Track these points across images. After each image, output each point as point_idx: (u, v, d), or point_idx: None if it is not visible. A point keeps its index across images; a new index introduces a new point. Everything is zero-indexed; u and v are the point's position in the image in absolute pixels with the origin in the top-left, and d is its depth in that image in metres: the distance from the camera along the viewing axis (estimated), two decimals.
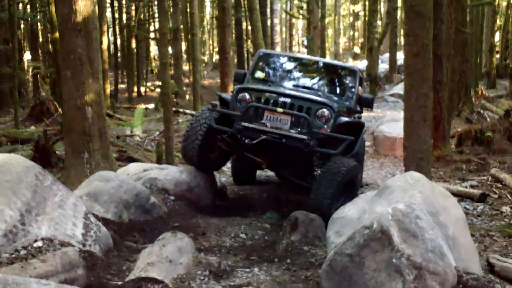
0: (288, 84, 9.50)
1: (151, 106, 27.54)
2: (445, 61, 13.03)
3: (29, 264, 4.79)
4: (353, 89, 9.50)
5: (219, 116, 8.42)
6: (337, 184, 7.45)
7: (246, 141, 8.04)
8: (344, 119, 8.23)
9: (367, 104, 9.50)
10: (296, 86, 9.38)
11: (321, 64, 10.14)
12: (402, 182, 5.85)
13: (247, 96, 8.30)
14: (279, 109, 7.94)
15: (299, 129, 7.94)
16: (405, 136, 8.00)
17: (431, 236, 4.69)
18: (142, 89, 36.81)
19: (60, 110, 16.71)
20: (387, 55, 41.51)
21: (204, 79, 38.78)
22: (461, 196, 9.50)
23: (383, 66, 40.62)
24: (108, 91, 25.70)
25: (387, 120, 16.49)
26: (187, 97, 29.60)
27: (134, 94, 33.95)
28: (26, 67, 27.31)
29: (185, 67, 41.38)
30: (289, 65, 10.24)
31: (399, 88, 24.89)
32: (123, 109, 26.90)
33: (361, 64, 42.21)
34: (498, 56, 35.17)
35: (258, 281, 5.33)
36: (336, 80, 9.91)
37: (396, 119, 15.31)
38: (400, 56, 35.13)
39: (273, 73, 9.96)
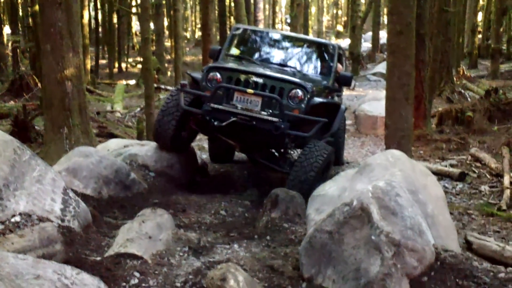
0: (264, 61, 9.20)
1: (132, 82, 27.40)
2: (428, 40, 13.07)
3: (6, 239, 4.76)
4: (331, 67, 9.25)
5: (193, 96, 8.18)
6: (316, 170, 7.37)
7: (215, 123, 7.72)
8: (319, 100, 7.98)
9: (346, 82, 9.20)
10: (272, 63, 9.13)
11: (298, 41, 9.86)
12: (382, 160, 5.85)
13: (218, 75, 8.01)
14: (250, 90, 7.66)
15: (270, 110, 7.66)
16: (386, 114, 8.00)
17: (411, 214, 4.70)
18: (123, 65, 36.55)
19: (40, 85, 16.53)
20: (370, 34, 41.60)
21: (186, 55, 38.59)
22: (440, 175, 9.57)
23: (366, 45, 40.68)
24: (88, 66, 25.49)
25: (369, 99, 16.52)
26: (169, 73, 29.45)
27: (115, 70, 33.73)
28: (5, 41, 26.92)
29: (167, 44, 41.18)
30: (265, 42, 9.92)
31: (382, 67, 24.94)
32: (104, 85, 26.73)
33: (344, 43, 42.20)
34: (480, 36, 35.31)
35: (237, 258, 5.33)
36: (314, 57, 9.62)
37: (378, 98, 15.34)
38: (383, 35, 35.13)
39: (249, 50, 9.68)
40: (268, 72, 8.07)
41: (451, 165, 10.41)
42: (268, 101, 7.66)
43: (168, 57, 35.59)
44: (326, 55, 9.46)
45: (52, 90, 9.23)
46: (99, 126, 13.40)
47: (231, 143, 8.38)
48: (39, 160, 5.80)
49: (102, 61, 36.64)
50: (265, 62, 9.16)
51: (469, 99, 18.27)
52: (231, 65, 8.48)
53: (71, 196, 5.82)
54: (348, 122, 15.51)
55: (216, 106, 7.70)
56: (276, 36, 10.07)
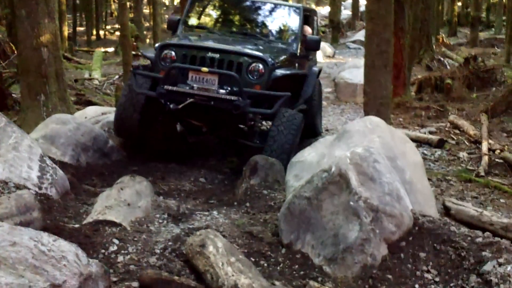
0: (225, 31, 8.75)
1: (110, 49, 27.12)
2: (407, 8, 13.04)
3: None
4: (297, 32, 8.64)
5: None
6: (291, 141, 7.13)
7: (171, 106, 7.21)
8: (281, 72, 7.52)
9: (313, 46, 8.49)
10: (234, 33, 8.66)
11: (261, 5, 9.11)
12: (361, 126, 5.86)
13: (172, 53, 7.48)
14: (204, 69, 7.16)
15: (229, 88, 7.18)
16: (365, 81, 8.00)
17: (389, 180, 4.72)
18: (102, 32, 36.13)
19: (16, 52, 16.30)
20: (350, 1, 41.43)
21: (164, 22, 38.16)
22: (419, 142, 9.63)
23: (346, 13, 40.52)
24: (66, 33, 25.14)
25: (349, 67, 16.51)
26: (148, 41, 29.16)
27: (93, 37, 33.37)
28: None
29: (146, 11, 40.68)
30: (227, 8, 9.44)
31: (361, 35, 24.86)
32: (82, 52, 26.45)
33: (324, 10, 42.03)
34: (459, 4, 35.30)
35: (217, 224, 5.33)
36: (278, 22, 9.02)
37: (358, 66, 15.32)
38: (363, 2, 34.97)
39: (208, 19, 9.23)
40: (224, 46, 7.59)
41: (430, 132, 10.48)
42: (226, 78, 7.19)
43: (147, 24, 35.21)
44: (291, 19, 8.88)
45: (28, 56, 9.10)
46: (77, 93, 13.26)
47: (197, 124, 7.98)
48: (15, 127, 5.73)
49: (80, 28, 36.19)
50: (227, 32, 8.72)
51: (448, 67, 18.33)
52: (185, 40, 8.05)
53: (48, 163, 5.77)
54: (328, 89, 15.51)
55: (170, 88, 7.16)
56: (237, 1, 9.38)
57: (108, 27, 39.21)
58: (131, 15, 27.19)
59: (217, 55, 7.28)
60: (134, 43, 22.84)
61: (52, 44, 9.18)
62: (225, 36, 8.45)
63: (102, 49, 25.71)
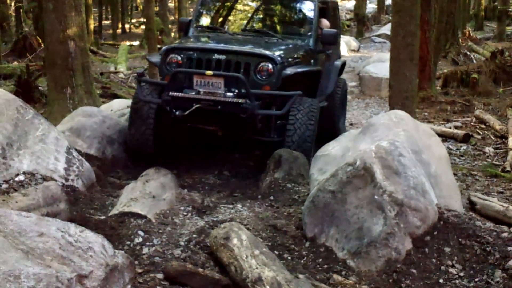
0: (236, 29, 8.46)
1: (136, 43, 27.22)
2: (434, 1, 12.91)
3: (10, 197, 4.78)
4: (312, 25, 8.20)
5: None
6: (312, 128, 6.95)
7: (177, 113, 6.84)
8: (292, 70, 7.12)
9: (330, 40, 8.04)
10: (245, 31, 8.31)
11: (274, 0, 8.74)
12: (386, 120, 5.82)
13: (178, 57, 7.16)
14: (208, 72, 6.81)
15: (237, 90, 6.85)
16: (391, 75, 7.95)
17: (414, 174, 4.70)
18: (127, 26, 36.27)
19: (43, 45, 16.46)
20: None
21: (189, 16, 38.21)
22: (445, 137, 9.56)
23: (371, 6, 40.20)
24: (92, 27, 25.28)
25: (374, 61, 16.40)
26: (172, 34, 29.22)
27: (119, 30, 33.48)
28: (8, 1, 26.70)
29: (171, 4, 40.80)
30: (238, 5, 9.01)
31: (387, 29, 24.70)
32: (107, 45, 26.57)
33: (349, 4, 41.79)
34: None
35: (241, 217, 5.35)
36: (292, 16, 8.73)
37: (383, 60, 15.23)
38: None
39: (219, 18, 8.83)
40: (231, 47, 7.30)
41: (456, 127, 10.39)
42: (232, 80, 6.87)
43: (172, 17, 35.30)
44: (305, 13, 8.48)
45: (54, 49, 9.19)
46: (103, 86, 13.35)
47: (211, 129, 7.48)
48: (42, 119, 5.80)
49: (106, 22, 36.37)
50: (238, 30, 8.43)
51: (474, 61, 18.15)
52: (194, 42, 7.79)
53: (74, 155, 5.83)
54: (352, 83, 15.45)
55: (175, 94, 6.83)
56: None
57: (134, 20, 39.36)
58: (156, 9, 27.29)
59: (223, 57, 6.97)
60: (159, 37, 22.92)
61: (79, 37, 9.26)
62: (236, 35, 8.19)
63: (128, 43, 25.83)
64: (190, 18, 8.82)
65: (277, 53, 7.21)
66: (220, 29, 8.44)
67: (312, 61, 8.00)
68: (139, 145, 7.22)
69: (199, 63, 7.04)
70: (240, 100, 6.73)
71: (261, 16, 8.80)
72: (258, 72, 6.99)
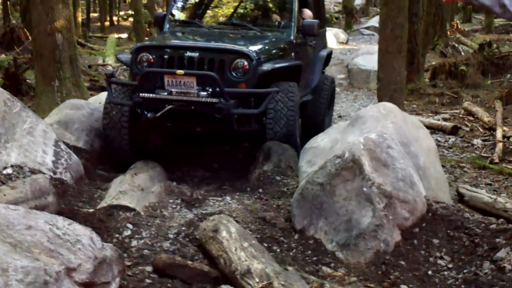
0: (213, 23, 8.16)
1: (124, 35, 27.14)
2: None
3: None
4: (291, 16, 7.82)
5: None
6: (294, 110, 6.66)
7: (149, 115, 6.50)
8: (268, 66, 6.75)
9: (310, 31, 7.71)
10: (222, 24, 8.05)
11: None
12: (374, 112, 5.84)
13: (150, 56, 6.76)
14: (179, 71, 6.42)
15: (211, 89, 6.49)
16: (379, 67, 7.98)
17: (402, 166, 4.71)
18: (115, 18, 36.14)
19: (30, 38, 16.38)
20: None
21: None
22: (433, 129, 9.58)
23: None
24: (79, 19, 25.18)
25: (362, 53, 16.41)
26: None
27: (107, 23, 33.35)
28: None
29: None
30: None
31: (375, 21, 24.69)
32: (95, 38, 26.47)
33: None
34: None
35: (230, 210, 5.34)
36: (271, 8, 8.39)
37: (371, 52, 15.23)
38: None
39: (195, 10, 8.47)
40: (203, 44, 7.02)
41: (444, 119, 10.42)
42: (205, 79, 6.50)
43: (160, 10, 35.16)
44: (285, 4, 8.11)
45: (42, 41, 9.15)
46: (91, 79, 13.32)
47: (189, 126, 7.13)
48: (30, 112, 5.77)
49: (93, 14, 36.25)
50: (215, 24, 8.15)
51: (462, 53, 18.18)
52: (168, 38, 7.55)
53: (62, 148, 5.80)
54: (341, 76, 15.46)
55: (146, 95, 6.46)
56: None
57: (122, 13, 39.23)
58: (145, 1, 27.19)
59: (196, 54, 6.59)
60: (148, 29, 22.83)
61: (66, 29, 9.22)
62: (213, 29, 7.86)
63: (116, 35, 25.73)
64: (165, 12, 8.55)
65: (253, 48, 6.89)
66: (196, 23, 8.07)
67: (292, 54, 7.62)
68: (115, 150, 6.88)
69: (171, 61, 6.67)
70: (214, 100, 6.38)
71: (239, 8, 8.38)
72: (233, 70, 6.64)
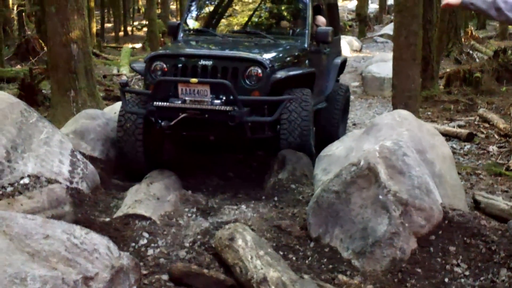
0: (227, 31, 8.19)
1: (138, 45, 27.27)
2: (435, 0, 12.92)
3: (15, 200, 4.79)
4: (305, 23, 7.85)
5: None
6: (308, 115, 6.64)
7: (163, 123, 6.52)
8: (282, 74, 6.76)
9: (324, 38, 7.68)
10: (236, 32, 8.08)
11: None
12: (389, 119, 5.83)
13: (163, 65, 6.80)
14: (193, 80, 6.43)
15: (224, 97, 6.49)
16: (393, 74, 7.96)
17: (418, 173, 4.70)
18: (129, 28, 36.36)
19: (45, 48, 16.50)
20: None
21: None
22: (448, 136, 9.55)
23: (373, 6, 40.20)
24: (94, 30, 25.37)
25: (376, 61, 16.39)
26: None
27: (121, 33, 33.59)
28: (10, 5, 26.76)
29: (173, 6, 40.84)
30: (228, 5, 8.69)
31: (389, 29, 24.66)
32: (109, 48, 26.62)
33: (351, 4, 41.81)
34: None
35: (245, 218, 5.35)
36: (285, 15, 8.38)
37: (385, 60, 15.21)
38: None
39: (209, 19, 8.49)
40: (217, 52, 7.08)
41: (459, 126, 10.38)
42: (218, 87, 6.50)
43: (174, 19, 35.34)
44: (298, 11, 8.14)
45: (57, 52, 9.22)
46: (106, 89, 13.39)
47: (203, 134, 7.13)
48: (46, 122, 5.81)
49: (108, 25, 36.47)
50: (229, 32, 8.16)
51: (477, 60, 18.11)
52: (182, 47, 7.57)
53: (79, 158, 5.83)
54: (355, 83, 15.44)
55: (160, 104, 6.48)
56: None
57: (136, 23, 39.48)
58: (159, 11, 27.34)
59: (209, 62, 6.61)
60: (162, 39, 22.96)
61: (82, 40, 9.28)
62: (226, 37, 7.89)
63: (130, 45, 25.87)
64: (179, 21, 8.59)
65: (267, 56, 6.92)
66: (210, 32, 8.10)
67: (306, 61, 7.64)
68: (129, 162, 6.89)
69: (184, 70, 6.69)
70: (228, 108, 6.38)
71: (253, 16, 8.33)
72: (246, 77, 6.65)
